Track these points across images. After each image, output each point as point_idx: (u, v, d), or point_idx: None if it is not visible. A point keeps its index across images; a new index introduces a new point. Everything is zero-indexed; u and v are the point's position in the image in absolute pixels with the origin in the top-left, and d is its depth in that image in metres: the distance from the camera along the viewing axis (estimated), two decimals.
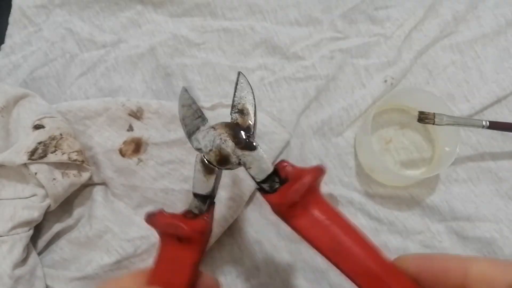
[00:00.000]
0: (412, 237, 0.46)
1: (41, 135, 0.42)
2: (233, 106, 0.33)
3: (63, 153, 0.42)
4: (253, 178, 0.31)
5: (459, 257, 0.24)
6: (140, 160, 0.45)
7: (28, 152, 0.41)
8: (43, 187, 0.41)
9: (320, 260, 0.45)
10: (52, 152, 0.42)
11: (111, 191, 0.46)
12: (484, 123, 0.43)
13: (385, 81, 0.50)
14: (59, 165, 0.42)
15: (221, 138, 0.31)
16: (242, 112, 0.33)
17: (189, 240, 0.30)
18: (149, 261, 0.44)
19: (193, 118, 0.33)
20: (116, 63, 0.51)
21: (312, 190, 0.29)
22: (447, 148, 0.46)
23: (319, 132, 0.49)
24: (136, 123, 0.46)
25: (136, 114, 0.46)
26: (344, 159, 0.48)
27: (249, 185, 0.45)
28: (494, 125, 0.44)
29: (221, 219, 0.44)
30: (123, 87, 0.51)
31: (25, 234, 0.41)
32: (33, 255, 0.42)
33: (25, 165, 0.41)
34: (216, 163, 0.32)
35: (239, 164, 0.31)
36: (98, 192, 0.46)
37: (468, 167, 0.48)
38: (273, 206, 0.29)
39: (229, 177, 0.45)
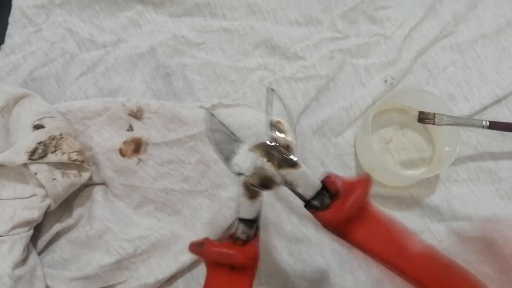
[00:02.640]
0: None
1: (41, 135, 0.42)
2: (269, 125, 0.32)
3: (63, 153, 0.42)
4: (301, 196, 0.30)
5: None
6: (140, 160, 0.45)
7: (28, 152, 0.41)
8: (43, 187, 0.41)
9: (320, 260, 0.45)
10: (52, 152, 0.42)
11: (111, 191, 0.46)
12: (484, 123, 0.43)
13: (385, 81, 0.50)
14: (59, 165, 0.42)
15: (261, 160, 0.30)
16: (279, 129, 0.31)
17: (243, 268, 0.30)
18: (149, 261, 0.44)
19: (227, 142, 0.32)
20: (116, 63, 0.51)
21: (365, 201, 0.29)
22: (447, 148, 0.46)
23: (319, 132, 0.49)
24: (136, 123, 0.46)
25: (136, 114, 0.46)
26: (344, 159, 0.48)
27: None
28: (494, 125, 0.44)
29: (221, 219, 0.44)
30: (123, 87, 0.51)
31: (25, 234, 0.41)
32: (33, 255, 0.42)
33: (25, 165, 0.41)
34: (261, 186, 0.31)
35: (285, 183, 0.30)
36: (98, 192, 0.46)
37: (468, 167, 0.48)
38: (328, 222, 0.29)
39: (229, 177, 0.45)
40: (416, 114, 0.43)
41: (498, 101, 0.50)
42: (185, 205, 0.46)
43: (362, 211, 0.28)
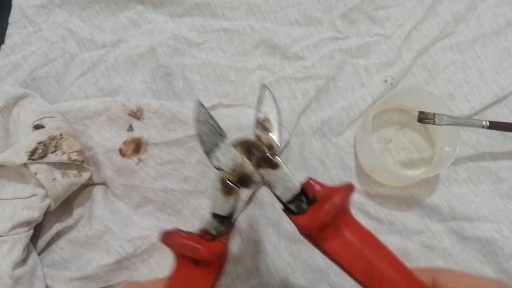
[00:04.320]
0: (412, 237, 0.46)
1: (41, 135, 0.42)
2: (256, 122, 0.31)
3: (63, 153, 0.42)
4: (278, 198, 0.29)
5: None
6: (140, 160, 0.45)
7: (28, 152, 0.41)
8: (43, 187, 0.41)
9: (320, 260, 0.45)
10: (52, 152, 0.42)
11: (111, 191, 0.46)
12: (484, 123, 0.43)
13: (385, 81, 0.50)
14: (59, 165, 0.42)
15: (241, 157, 0.30)
16: (265, 127, 0.31)
17: (207, 263, 0.29)
18: (149, 261, 0.44)
19: (210, 134, 0.31)
20: (116, 63, 0.51)
21: (343, 210, 0.28)
22: (447, 148, 0.46)
23: (319, 132, 0.49)
24: (136, 123, 0.46)
25: (136, 114, 0.46)
26: (344, 159, 0.48)
27: None
28: (494, 125, 0.44)
29: None
30: (123, 87, 0.51)
31: (25, 234, 0.41)
32: (33, 255, 0.42)
33: (25, 165, 0.41)
34: (239, 183, 0.30)
35: (264, 183, 0.30)
36: (98, 192, 0.46)
37: (468, 167, 0.48)
38: (301, 228, 0.28)
39: None
40: (416, 114, 0.43)
41: (498, 101, 0.50)
42: (185, 205, 0.46)
43: (338, 220, 0.27)
